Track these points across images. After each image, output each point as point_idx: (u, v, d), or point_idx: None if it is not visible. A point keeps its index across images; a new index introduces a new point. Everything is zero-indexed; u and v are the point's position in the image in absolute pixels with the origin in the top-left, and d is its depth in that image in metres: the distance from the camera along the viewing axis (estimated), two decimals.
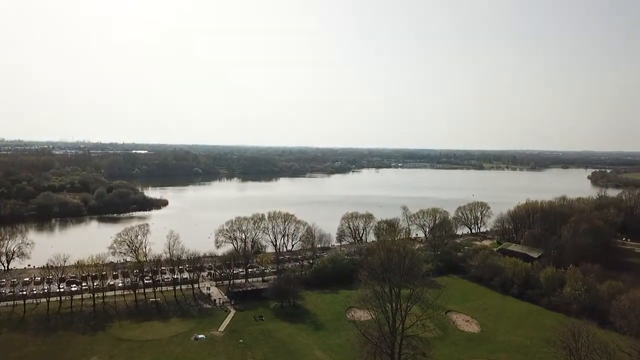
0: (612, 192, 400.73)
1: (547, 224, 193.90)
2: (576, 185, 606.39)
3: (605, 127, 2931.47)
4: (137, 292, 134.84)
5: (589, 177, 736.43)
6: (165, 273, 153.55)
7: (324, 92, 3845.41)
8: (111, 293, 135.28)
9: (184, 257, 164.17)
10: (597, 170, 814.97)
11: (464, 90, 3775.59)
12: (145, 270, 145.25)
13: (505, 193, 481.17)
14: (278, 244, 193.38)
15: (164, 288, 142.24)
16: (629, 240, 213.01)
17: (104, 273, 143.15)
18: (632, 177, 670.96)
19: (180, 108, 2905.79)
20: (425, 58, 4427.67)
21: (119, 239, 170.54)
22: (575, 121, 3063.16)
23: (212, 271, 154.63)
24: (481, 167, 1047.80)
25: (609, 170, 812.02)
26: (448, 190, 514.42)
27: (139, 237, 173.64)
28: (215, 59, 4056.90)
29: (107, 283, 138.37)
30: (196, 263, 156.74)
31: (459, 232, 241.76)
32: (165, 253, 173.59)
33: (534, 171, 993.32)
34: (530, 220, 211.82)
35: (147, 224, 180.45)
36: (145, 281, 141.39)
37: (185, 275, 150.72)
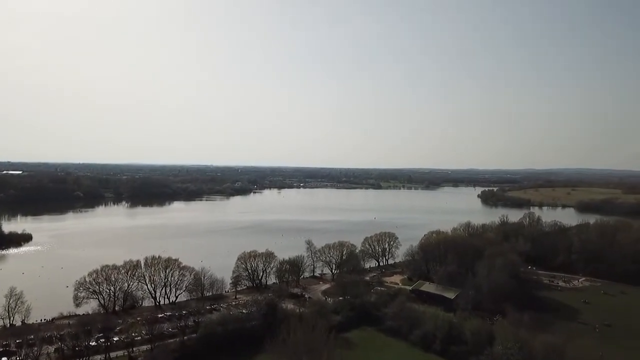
0: (503, 211, 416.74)
1: (460, 259, 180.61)
2: (469, 205, 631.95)
3: (484, 147, 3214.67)
4: None
5: (479, 196, 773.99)
6: None
7: (224, 106, 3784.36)
8: None
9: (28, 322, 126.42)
10: (486, 189, 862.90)
11: (363, 111, 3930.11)
12: None
13: (406, 214, 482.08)
14: (158, 296, 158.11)
15: None
16: (534, 268, 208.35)
17: None
18: (517, 196, 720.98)
19: (65, 120, 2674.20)
20: (325, 77, 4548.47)
21: None
22: (457, 141, 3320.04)
23: (61, 345, 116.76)
24: (379, 187, 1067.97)
25: (495, 189, 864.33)
26: (349, 212, 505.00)
27: None
28: (106, 64, 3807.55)
29: None
30: (43, 332, 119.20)
31: (367, 265, 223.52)
32: (3, 319, 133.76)
33: (429, 190, 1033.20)
34: (441, 252, 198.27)
35: None
36: None
37: (24, 353, 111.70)
